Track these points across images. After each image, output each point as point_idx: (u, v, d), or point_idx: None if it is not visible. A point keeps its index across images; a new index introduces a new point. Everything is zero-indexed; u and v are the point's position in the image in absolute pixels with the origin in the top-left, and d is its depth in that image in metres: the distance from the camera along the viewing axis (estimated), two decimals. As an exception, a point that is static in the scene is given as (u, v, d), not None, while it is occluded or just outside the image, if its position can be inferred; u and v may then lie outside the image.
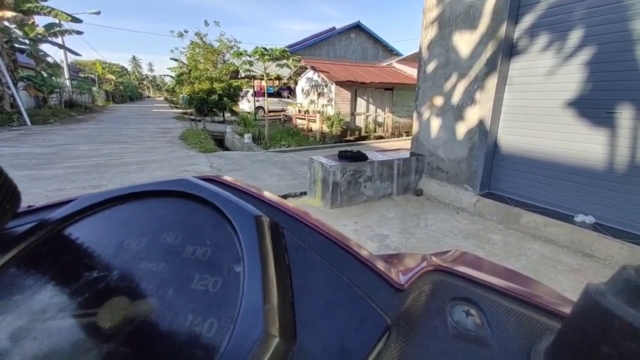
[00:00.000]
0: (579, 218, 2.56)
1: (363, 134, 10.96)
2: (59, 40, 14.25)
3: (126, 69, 61.30)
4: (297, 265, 0.29)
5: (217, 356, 0.21)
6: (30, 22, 12.02)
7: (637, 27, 2.23)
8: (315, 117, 11.04)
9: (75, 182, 4.00)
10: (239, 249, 0.28)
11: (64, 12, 12.31)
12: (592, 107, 2.51)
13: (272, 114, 14.09)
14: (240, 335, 0.22)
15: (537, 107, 2.84)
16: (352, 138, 10.44)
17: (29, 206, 0.40)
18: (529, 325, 0.26)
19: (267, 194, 0.39)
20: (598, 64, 2.45)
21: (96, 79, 31.11)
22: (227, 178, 0.41)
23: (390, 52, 19.17)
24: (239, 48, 13.39)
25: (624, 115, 2.34)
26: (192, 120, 12.41)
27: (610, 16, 2.34)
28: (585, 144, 2.57)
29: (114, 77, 36.31)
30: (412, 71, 12.20)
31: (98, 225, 0.35)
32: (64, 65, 19.13)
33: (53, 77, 14.95)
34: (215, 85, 12.33)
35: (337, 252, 0.31)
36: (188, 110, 15.25)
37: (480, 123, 3.13)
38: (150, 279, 0.28)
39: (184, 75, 14.44)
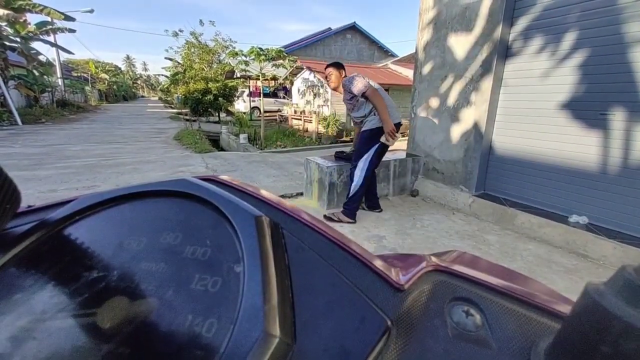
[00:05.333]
0: (573, 218, 2.59)
1: (359, 134, 10.97)
2: (51, 38, 14.06)
3: (120, 68, 60.79)
4: (297, 265, 0.29)
5: (217, 356, 0.21)
6: (21, 20, 11.84)
7: (629, 29, 2.27)
8: (311, 117, 11.05)
9: (67, 183, 3.95)
10: (238, 249, 0.28)
11: (57, 10, 12.16)
12: (586, 109, 2.54)
13: (268, 114, 14.07)
14: (240, 335, 0.22)
15: (532, 108, 2.87)
16: (348, 139, 10.46)
17: (29, 206, 0.40)
18: (529, 325, 0.26)
19: (266, 193, 0.38)
20: (591, 66, 2.49)
21: (89, 78, 30.79)
22: (227, 178, 0.41)
23: (386, 53, 19.27)
24: (235, 48, 13.34)
25: (617, 117, 2.38)
26: (187, 120, 12.32)
27: (604, 19, 2.38)
28: (578, 145, 2.61)
29: (107, 77, 35.95)
30: (407, 72, 12.28)
31: (98, 225, 0.34)
32: (57, 64, 18.89)
33: (45, 76, 14.72)
34: (211, 85, 12.27)
35: (337, 252, 0.30)
36: (183, 110, 15.16)
37: (476, 124, 3.15)
38: (150, 279, 0.28)
39: (179, 75, 14.35)
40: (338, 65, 2.77)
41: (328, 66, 2.78)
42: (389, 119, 2.56)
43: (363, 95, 2.56)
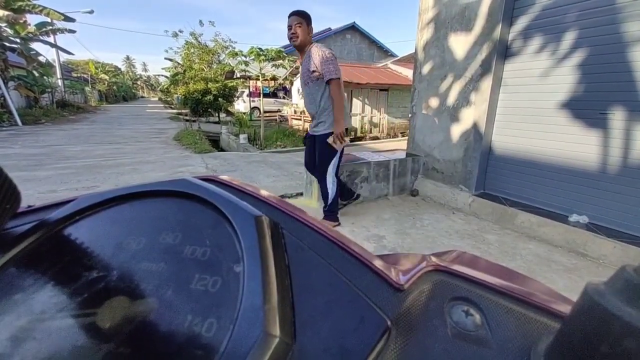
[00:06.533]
0: (573, 218, 2.59)
1: (359, 134, 10.99)
2: (51, 39, 14.07)
3: (120, 69, 60.83)
4: (297, 265, 0.29)
5: (216, 356, 0.21)
6: (21, 21, 11.84)
7: (629, 29, 2.27)
8: (311, 117, 11.03)
9: (67, 184, 3.95)
10: (238, 249, 0.28)
11: (57, 11, 12.17)
12: (585, 108, 2.54)
13: (267, 114, 14.05)
14: (240, 335, 0.22)
15: (531, 108, 2.87)
16: (348, 139, 10.47)
17: (29, 206, 0.40)
18: (529, 325, 0.26)
19: (266, 193, 0.39)
20: (591, 65, 2.49)
21: (89, 78, 30.79)
22: (227, 178, 0.41)
23: (386, 53, 19.26)
24: (234, 48, 13.35)
25: (617, 116, 2.38)
26: (187, 120, 12.32)
27: (603, 18, 2.38)
28: (578, 145, 2.61)
29: (107, 77, 35.95)
30: (407, 72, 12.27)
31: (98, 225, 0.35)
32: (56, 64, 18.89)
33: (45, 77, 14.71)
34: (210, 85, 12.26)
35: (337, 252, 0.30)
36: (183, 111, 15.16)
37: (475, 124, 3.15)
38: (149, 279, 0.28)
39: (179, 76, 14.35)
40: (307, 17, 2.22)
41: (294, 14, 2.20)
42: (343, 120, 2.26)
43: (330, 80, 2.17)
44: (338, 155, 2.41)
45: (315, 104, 2.33)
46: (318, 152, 2.45)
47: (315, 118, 2.42)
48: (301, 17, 2.20)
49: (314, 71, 2.23)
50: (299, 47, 2.26)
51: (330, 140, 2.32)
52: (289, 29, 2.22)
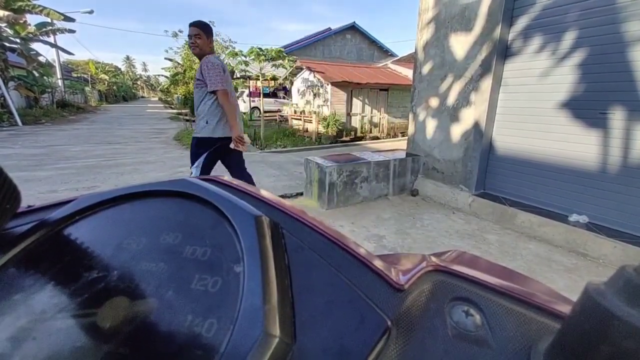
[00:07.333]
0: (573, 218, 2.59)
1: (359, 134, 10.99)
2: (51, 39, 14.06)
3: (120, 69, 60.79)
4: (297, 265, 0.29)
5: (216, 356, 0.21)
6: (21, 21, 11.84)
7: (629, 29, 2.27)
8: (311, 117, 11.04)
9: (67, 184, 3.95)
10: (238, 249, 0.28)
11: (57, 11, 12.16)
12: (585, 108, 2.54)
13: (267, 114, 14.04)
14: (240, 335, 0.22)
15: (531, 108, 2.87)
16: (347, 139, 10.46)
17: (29, 206, 0.40)
18: (529, 325, 0.26)
19: (266, 193, 0.38)
20: (591, 65, 2.49)
21: (89, 78, 30.78)
22: (227, 178, 0.41)
23: (386, 52, 19.26)
24: (234, 48, 13.34)
25: (617, 116, 2.38)
26: (187, 120, 12.30)
27: (603, 18, 2.38)
28: (578, 145, 2.61)
29: (107, 77, 35.91)
30: (407, 72, 12.28)
31: (98, 225, 0.34)
32: (56, 64, 18.89)
33: (45, 77, 14.71)
34: (211, 85, 12.22)
35: (337, 252, 0.30)
36: (183, 111, 15.14)
37: (476, 124, 3.15)
38: (149, 279, 0.28)
39: (179, 76, 14.33)
40: (206, 29, 2.34)
41: (194, 25, 2.31)
42: (237, 124, 2.38)
43: (215, 91, 2.30)
44: (203, 159, 2.45)
45: (195, 108, 2.48)
46: (191, 149, 2.56)
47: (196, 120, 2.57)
48: (200, 29, 2.32)
49: (199, 79, 2.37)
50: (197, 55, 2.40)
51: (232, 145, 2.44)
52: (189, 38, 2.36)
